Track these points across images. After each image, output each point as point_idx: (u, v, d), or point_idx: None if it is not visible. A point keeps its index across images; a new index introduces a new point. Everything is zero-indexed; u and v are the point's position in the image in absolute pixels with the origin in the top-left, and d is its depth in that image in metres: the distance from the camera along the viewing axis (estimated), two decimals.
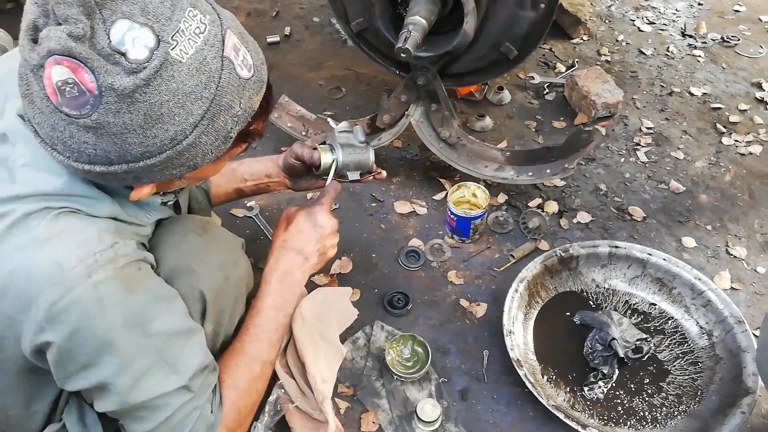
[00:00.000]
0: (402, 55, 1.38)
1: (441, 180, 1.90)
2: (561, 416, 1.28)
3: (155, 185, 0.81)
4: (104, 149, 0.71)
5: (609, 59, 2.41)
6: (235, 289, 1.07)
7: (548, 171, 1.67)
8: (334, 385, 1.38)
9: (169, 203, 0.98)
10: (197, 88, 0.72)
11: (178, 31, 0.70)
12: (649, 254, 1.59)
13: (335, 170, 1.19)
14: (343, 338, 1.49)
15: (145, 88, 0.69)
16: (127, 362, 0.81)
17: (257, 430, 1.26)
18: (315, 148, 1.21)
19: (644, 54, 2.45)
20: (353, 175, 1.22)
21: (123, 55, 0.67)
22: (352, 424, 1.36)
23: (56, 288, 0.73)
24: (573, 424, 1.27)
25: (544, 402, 1.31)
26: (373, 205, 1.85)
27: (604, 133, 2.04)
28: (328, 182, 1.19)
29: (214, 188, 1.33)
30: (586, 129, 1.70)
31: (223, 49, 0.74)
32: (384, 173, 1.27)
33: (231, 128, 0.77)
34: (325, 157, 1.19)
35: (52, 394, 0.97)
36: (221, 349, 1.10)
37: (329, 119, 1.30)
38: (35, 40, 0.68)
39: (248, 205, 1.82)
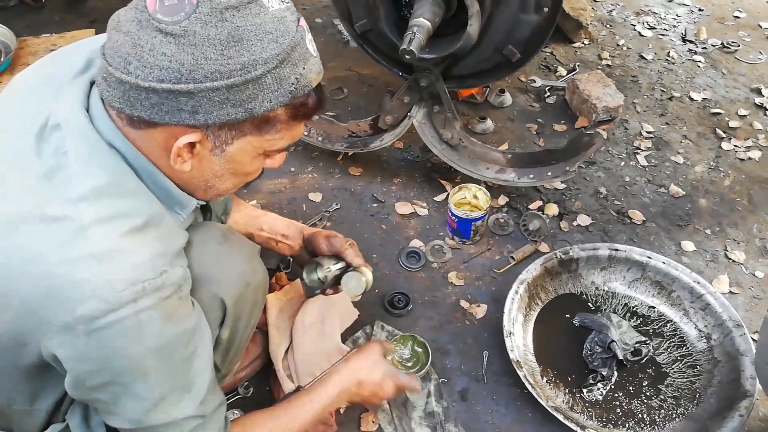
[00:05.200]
0: (406, 56, 1.39)
1: (442, 181, 1.91)
2: (560, 417, 1.29)
3: (198, 150, 0.82)
4: (179, 61, 0.75)
5: (610, 63, 2.43)
6: (253, 296, 1.09)
7: (549, 174, 1.68)
8: None
9: (199, 204, 1.00)
10: (275, 32, 0.79)
11: None
12: (649, 257, 1.59)
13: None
14: (344, 338, 1.49)
15: (235, 11, 0.76)
16: (151, 387, 0.84)
17: None
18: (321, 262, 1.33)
19: (645, 59, 2.46)
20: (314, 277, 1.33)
21: None
22: (352, 423, 1.37)
23: (101, 304, 0.76)
24: (572, 426, 1.28)
25: (543, 403, 1.32)
26: (375, 205, 1.85)
27: (605, 137, 2.05)
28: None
29: (230, 222, 1.35)
30: (587, 132, 1.70)
31: (298, 21, 0.84)
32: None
33: (292, 84, 0.82)
34: (316, 274, 1.32)
35: (57, 394, 0.97)
36: (233, 353, 1.12)
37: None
38: None
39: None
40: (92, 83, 0.86)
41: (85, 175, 0.79)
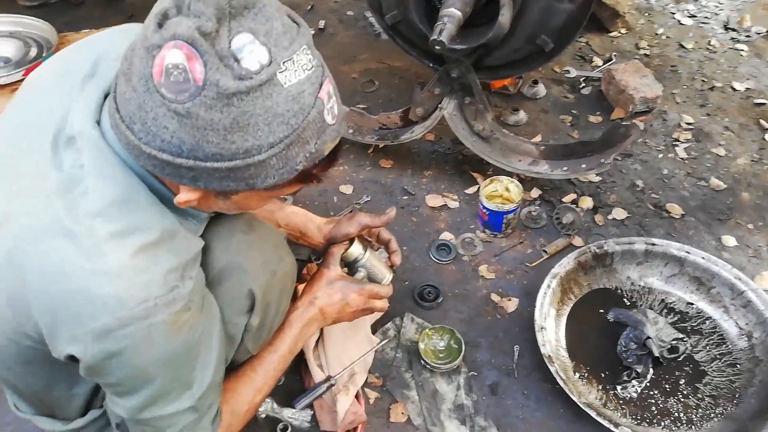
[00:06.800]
0: (436, 47, 1.38)
1: (473, 174, 1.89)
2: (593, 414, 1.27)
3: (202, 196, 0.83)
4: (181, 139, 0.73)
5: (648, 53, 2.36)
6: (281, 283, 1.10)
7: (584, 166, 1.65)
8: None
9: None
10: (287, 114, 0.75)
11: (290, 60, 0.74)
12: (687, 252, 1.55)
13: (352, 267, 1.31)
14: (374, 329, 1.50)
15: (244, 95, 0.72)
16: (154, 388, 0.86)
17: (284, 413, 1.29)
18: (353, 240, 1.32)
19: (685, 48, 2.38)
20: (359, 275, 1.31)
21: (237, 61, 0.71)
22: (381, 414, 1.37)
23: (113, 319, 0.77)
24: (605, 423, 1.26)
25: (575, 399, 1.30)
26: (405, 198, 1.85)
27: (642, 128, 1.99)
28: (358, 275, 1.31)
29: None
30: (624, 123, 1.66)
31: (318, 91, 0.79)
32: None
33: (299, 162, 0.79)
34: (356, 248, 1.30)
35: (93, 381, 1.00)
36: (265, 337, 1.14)
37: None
38: (161, 25, 0.72)
39: None
40: (106, 95, 0.85)
41: (101, 189, 0.80)
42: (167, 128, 0.73)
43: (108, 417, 1.05)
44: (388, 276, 1.34)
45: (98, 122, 0.83)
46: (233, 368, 1.12)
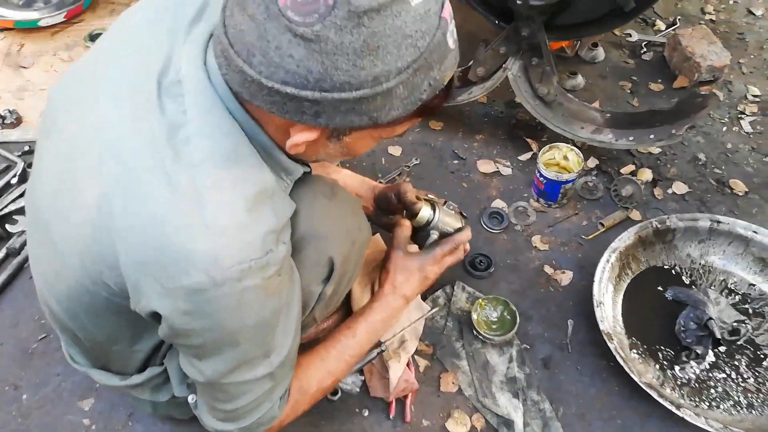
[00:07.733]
0: (518, 1, 1.29)
1: (528, 140, 1.81)
2: (654, 395, 1.23)
3: (318, 138, 0.78)
4: (307, 68, 0.68)
5: (714, 18, 2.23)
6: (359, 252, 1.07)
7: (652, 136, 1.56)
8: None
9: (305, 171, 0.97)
10: (416, 35, 0.70)
11: None
12: (755, 232, 1.48)
13: (428, 227, 1.27)
14: (424, 296, 1.46)
15: (375, 14, 0.66)
16: (238, 355, 0.84)
17: None
18: (419, 199, 1.28)
19: (754, 14, 2.25)
20: (432, 238, 1.27)
21: None
22: (431, 382, 1.35)
23: (207, 278, 0.73)
24: (667, 404, 1.22)
25: (636, 378, 1.26)
26: (455, 162, 1.78)
27: (721, 99, 1.88)
28: (431, 239, 1.27)
29: None
30: (701, 93, 1.56)
31: (442, 10, 0.73)
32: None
33: (424, 90, 0.74)
34: (425, 212, 1.25)
35: (157, 338, 0.97)
36: (332, 306, 1.11)
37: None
38: None
39: None
40: (211, 35, 0.80)
41: (204, 136, 0.76)
42: (292, 57, 0.68)
43: (166, 375, 1.03)
44: (460, 226, 1.29)
45: (205, 64, 0.78)
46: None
